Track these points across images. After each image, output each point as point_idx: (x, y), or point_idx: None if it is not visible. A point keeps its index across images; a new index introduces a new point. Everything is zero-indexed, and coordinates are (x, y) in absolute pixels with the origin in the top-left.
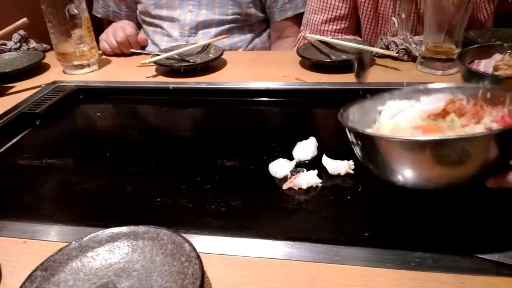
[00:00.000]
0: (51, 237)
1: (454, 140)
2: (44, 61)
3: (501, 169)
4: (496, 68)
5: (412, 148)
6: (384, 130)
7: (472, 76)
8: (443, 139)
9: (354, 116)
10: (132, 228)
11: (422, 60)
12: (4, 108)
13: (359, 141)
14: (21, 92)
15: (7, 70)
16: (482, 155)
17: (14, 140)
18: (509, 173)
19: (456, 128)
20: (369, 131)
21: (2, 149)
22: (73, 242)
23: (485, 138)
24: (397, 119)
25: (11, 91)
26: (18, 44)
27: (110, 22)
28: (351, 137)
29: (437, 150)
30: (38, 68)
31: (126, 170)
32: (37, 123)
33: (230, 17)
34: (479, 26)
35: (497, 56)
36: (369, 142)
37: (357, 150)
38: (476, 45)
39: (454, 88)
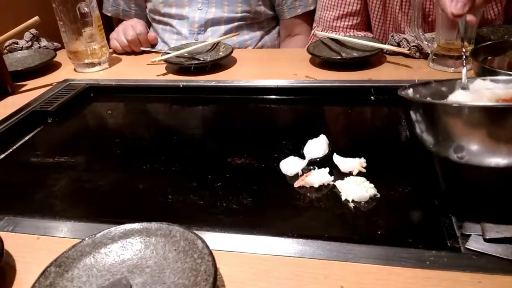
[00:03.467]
0: (64, 233)
1: None
2: (55, 59)
3: None
4: (510, 65)
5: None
6: None
7: (485, 73)
8: None
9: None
10: (144, 224)
11: (434, 57)
12: (16, 106)
13: (427, 114)
14: (33, 90)
15: (19, 69)
16: None
17: (26, 138)
18: None
19: None
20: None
21: (14, 147)
22: (86, 239)
23: None
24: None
25: (23, 89)
26: (30, 43)
27: (120, 21)
28: (415, 113)
29: None
30: (50, 66)
31: (137, 168)
32: (48, 121)
33: (239, 14)
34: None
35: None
36: (441, 112)
37: (420, 128)
38: (489, 42)
39: None
